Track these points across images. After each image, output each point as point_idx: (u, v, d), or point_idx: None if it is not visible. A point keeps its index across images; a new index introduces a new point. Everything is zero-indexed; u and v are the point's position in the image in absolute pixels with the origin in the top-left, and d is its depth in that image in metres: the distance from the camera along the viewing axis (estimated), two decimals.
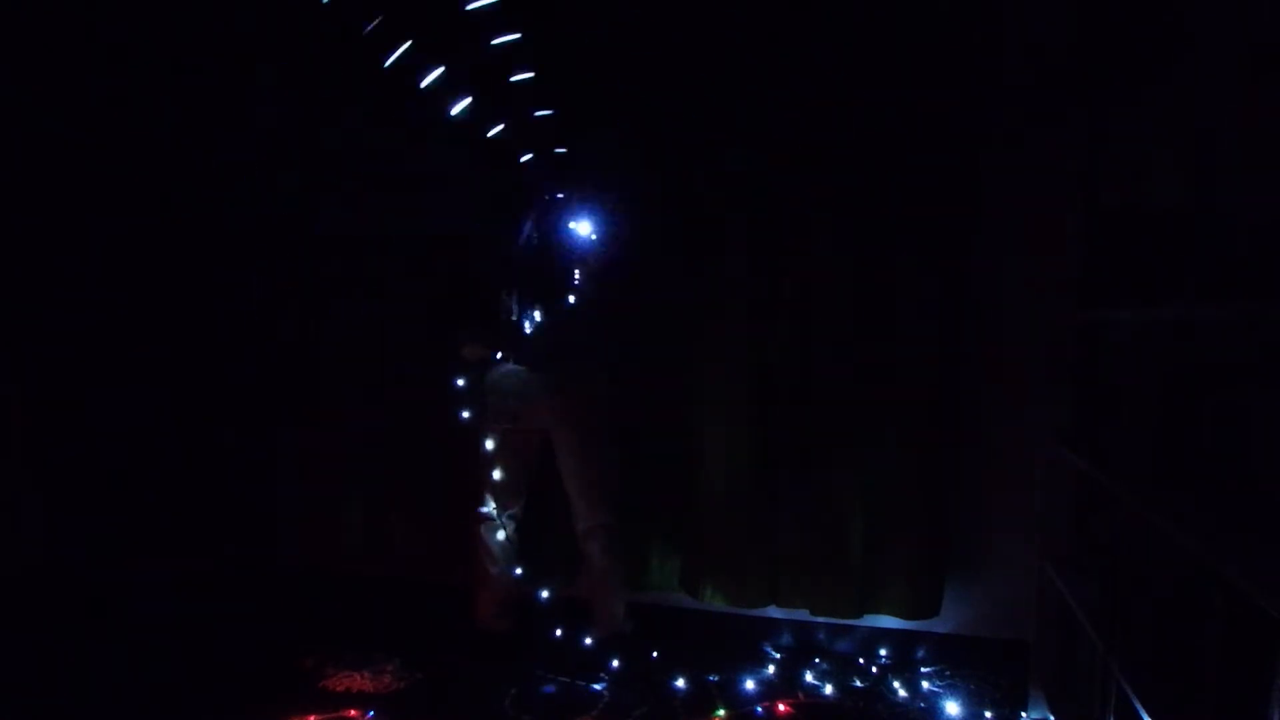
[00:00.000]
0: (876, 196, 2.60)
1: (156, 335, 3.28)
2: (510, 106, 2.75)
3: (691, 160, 2.75)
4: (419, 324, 2.99)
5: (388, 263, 3.05)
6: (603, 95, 2.79)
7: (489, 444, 2.68)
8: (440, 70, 2.90)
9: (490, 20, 2.85)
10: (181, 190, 3.22)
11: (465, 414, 2.70)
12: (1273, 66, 1.52)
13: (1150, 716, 1.48)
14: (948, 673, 2.71)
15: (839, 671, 2.71)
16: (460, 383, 2.70)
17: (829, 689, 2.61)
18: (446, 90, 2.88)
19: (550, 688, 2.62)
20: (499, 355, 2.67)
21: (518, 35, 2.77)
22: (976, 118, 2.56)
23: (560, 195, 2.67)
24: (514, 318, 2.63)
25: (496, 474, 2.68)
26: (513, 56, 2.82)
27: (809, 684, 2.66)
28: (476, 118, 2.83)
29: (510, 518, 2.76)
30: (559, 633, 2.82)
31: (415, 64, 2.94)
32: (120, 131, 3.21)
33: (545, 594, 2.89)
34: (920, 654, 2.78)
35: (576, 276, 2.59)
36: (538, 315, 2.60)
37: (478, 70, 2.82)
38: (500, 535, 2.74)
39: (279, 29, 3.07)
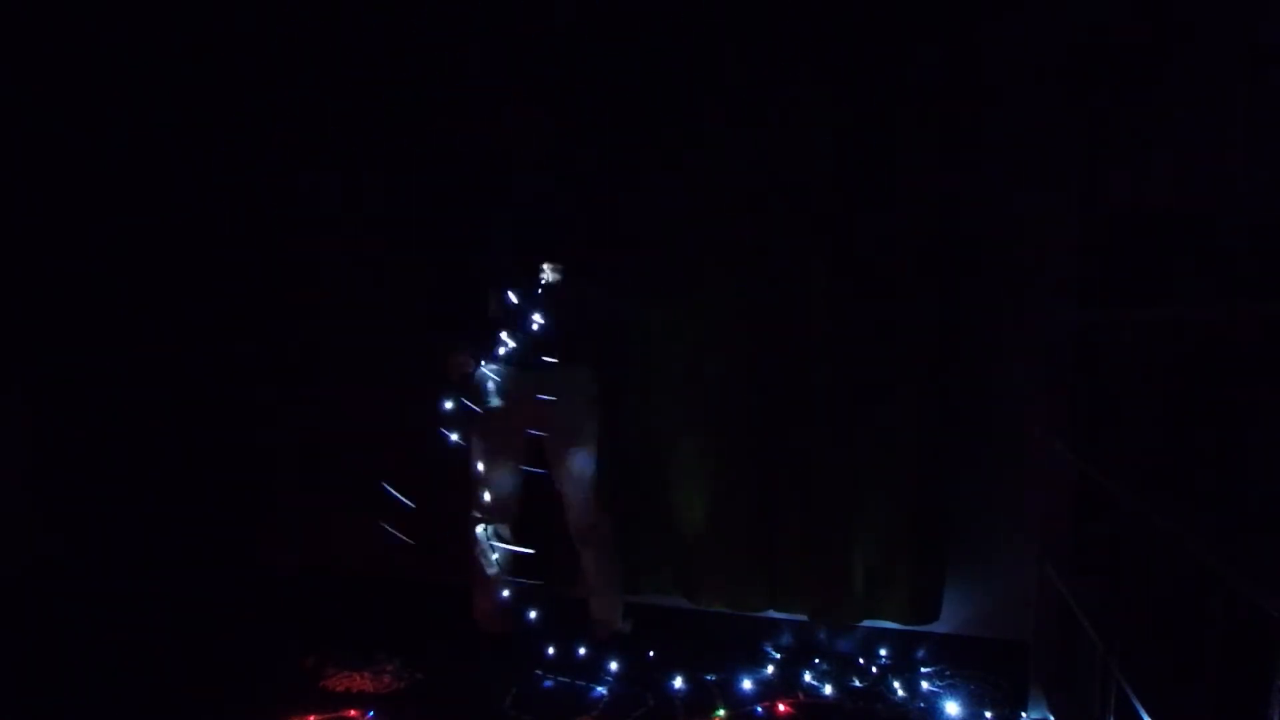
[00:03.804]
0: (877, 198, 2.60)
1: (156, 337, 3.28)
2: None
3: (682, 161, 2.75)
4: (413, 325, 3.00)
5: (384, 263, 3.05)
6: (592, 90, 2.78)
7: (486, 459, 2.68)
8: None
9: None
10: (181, 193, 3.22)
11: (455, 437, 2.69)
12: (1272, 66, 1.52)
13: (1150, 716, 1.48)
14: (948, 673, 2.71)
15: (839, 671, 2.71)
16: (449, 405, 2.69)
17: (829, 689, 2.61)
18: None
19: (549, 687, 2.62)
20: (485, 359, 2.66)
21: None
22: (976, 118, 2.56)
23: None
24: (503, 317, 2.62)
25: (486, 496, 2.68)
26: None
27: (809, 684, 2.65)
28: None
29: (506, 525, 2.76)
30: (557, 634, 2.82)
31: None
32: (120, 131, 3.21)
33: (542, 596, 2.89)
34: (920, 654, 2.78)
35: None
36: (526, 314, 2.59)
37: None
38: (496, 551, 2.73)
39: (283, 30, 3.08)
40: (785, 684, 2.65)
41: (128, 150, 3.22)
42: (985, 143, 2.58)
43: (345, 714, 2.43)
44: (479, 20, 2.86)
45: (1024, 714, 2.43)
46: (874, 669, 2.74)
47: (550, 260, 2.53)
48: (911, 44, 2.54)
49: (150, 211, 3.25)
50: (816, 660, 2.78)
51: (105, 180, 3.23)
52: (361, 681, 2.61)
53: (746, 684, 2.62)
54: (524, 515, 2.81)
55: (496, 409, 2.66)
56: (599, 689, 2.61)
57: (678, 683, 2.62)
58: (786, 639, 2.89)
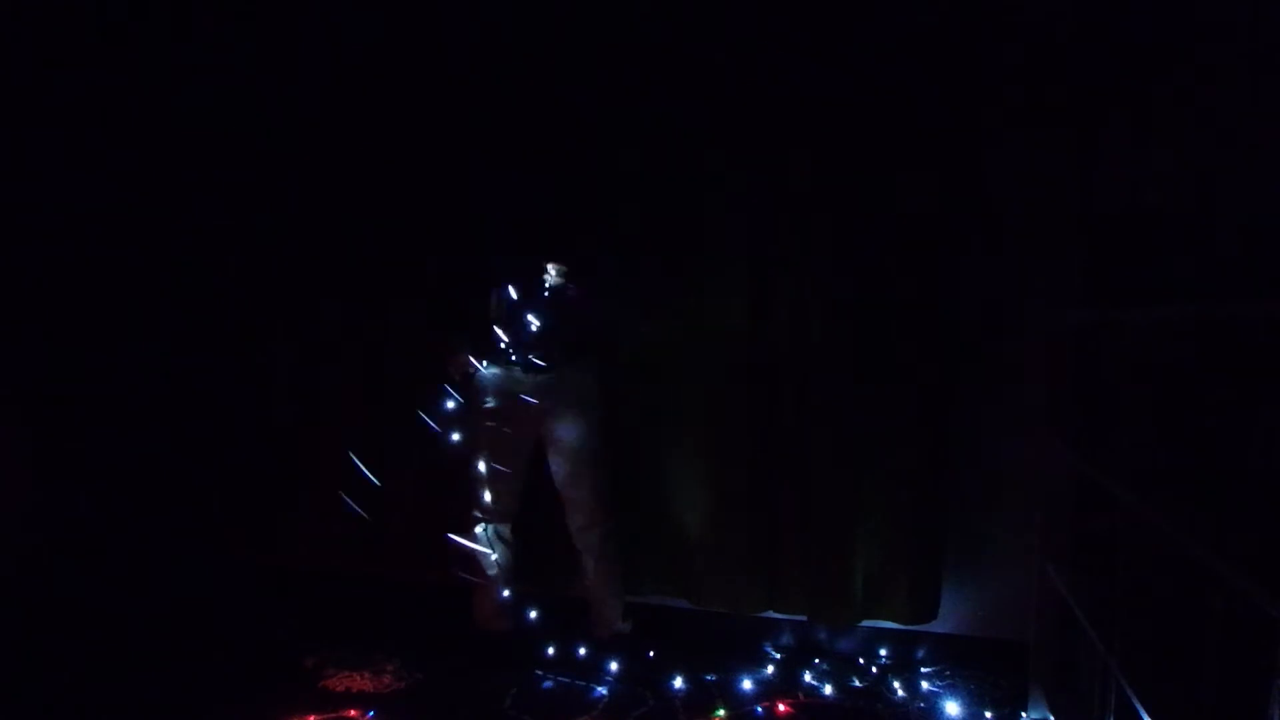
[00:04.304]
0: (875, 197, 2.60)
1: (156, 337, 3.28)
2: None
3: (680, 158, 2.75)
4: (415, 325, 3.00)
5: (385, 262, 3.06)
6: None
7: (486, 460, 2.68)
8: None
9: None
10: (185, 193, 3.23)
11: (456, 437, 2.70)
12: (1272, 67, 1.52)
13: (1150, 716, 1.48)
14: (948, 673, 2.71)
15: (839, 671, 2.71)
16: (450, 405, 2.70)
17: (829, 689, 2.62)
18: None
19: (549, 687, 2.62)
20: (485, 362, 2.66)
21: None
22: (977, 118, 2.56)
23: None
24: (504, 317, 2.62)
25: (487, 496, 2.69)
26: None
27: (809, 684, 2.66)
28: None
29: (506, 525, 2.76)
30: (557, 634, 2.82)
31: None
32: (121, 133, 3.21)
33: (542, 596, 2.89)
34: (920, 654, 2.78)
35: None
36: (528, 315, 2.59)
37: None
38: (495, 553, 2.74)
39: (286, 27, 3.08)
40: (785, 684, 2.66)
41: (127, 151, 3.22)
42: (985, 142, 2.58)
43: (345, 714, 2.43)
44: (480, 16, 2.86)
45: (1024, 714, 2.43)
46: (874, 669, 2.74)
47: (554, 262, 2.53)
48: (911, 43, 2.54)
49: (150, 211, 3.25)
50: (816, 660, 2.78)
51: (106, 180, 3.23)
52: (361, 681, 2.61)
53: (746, 684, 2.62)
54: (524, 515, 2.81)
55: (497, 409, 2.66)
56: (599, 689, 2.61)
57: (678, 683, 2.62)
58: (786, 639, 2.89)
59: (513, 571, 2.80)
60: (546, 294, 2.58)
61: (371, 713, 2.44)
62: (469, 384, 2.71)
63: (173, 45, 3.17)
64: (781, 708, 2.51)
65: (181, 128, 3.19)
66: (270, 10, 3.06)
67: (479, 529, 2.74)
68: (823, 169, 2.63)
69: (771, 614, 2.86)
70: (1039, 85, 2.50)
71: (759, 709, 2.51)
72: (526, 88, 2.78)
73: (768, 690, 2.61)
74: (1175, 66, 1.91)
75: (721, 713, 2.47)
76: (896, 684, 2.63)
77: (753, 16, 2.66)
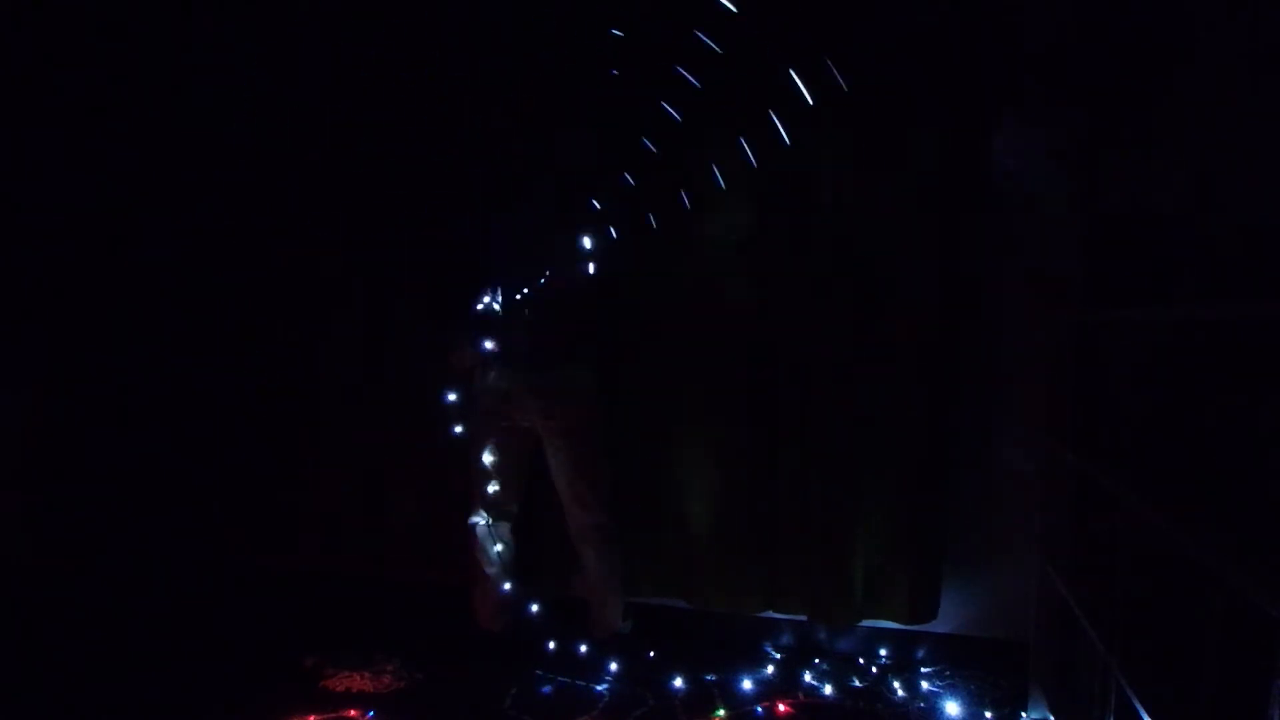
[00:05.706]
0: (875, 197, 2.60)
1: (155, 337, 3.28)
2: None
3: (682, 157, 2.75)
4: (419, 322, 3.00)
5: (386, 260, 3.06)
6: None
7: (487, 458, 2.68)
8: None
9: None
10: (185, 193, 3.23)
11: (458, 429, 2.70)
12: (1271, 68, 1.52)
13: (1150, 716, 1.48)
14: (948, 673, 2.71)
15: (839, 671, 2.71)
16: (452, 397, 2.70)
17: (829, 689, 2.62)
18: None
19: (549, 688, 2.62)
20: (489, 353, 2.66)
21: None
22: (977, 118, 2.56)
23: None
24: (503, 316, 2.62)
25: (491, 488, 2.69)
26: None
27: (809, 684, 2.66)
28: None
29: (506, 523, 2.76)
30: (557, 633, 2.82)
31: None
32: (125, 124, 3.21)
33: (542, 595, 2.89)
34: (920, 654, 2.78)
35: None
36: (527, 312, 2.59)
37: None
38: (496, 548, 2.74)
39: (288, 29, 3.08)
40: (785, 684, 2.66)
41: (127, 151, 3.22)
42: (986, 144, 2.57)
43: (345, 714, 2.43)
44: (479, 14, 2.87)
45: (1024, 714, 2.43)
46: (874, 669, 2.74)
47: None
48: (913, 41, 2.54)
49: (150, 211, 3.25)
50: (816, 660, 2.78)
51: (106, 180, 3.23)
52: (361, 681, 2.61)
53: (746, 684, 2.62)
54: (524, 514, 2.81)
55: (497, 407, 2.66)
56: (599, 689, 2.61)
57: (678, 683, 2.62)
58: (786, 639, 2.89)
59: (513, 570, 2.80)
60: (546, 292, 2.58)
61: (371, 713, 2.44)
62: (470, 381, 2.71)
63: (173, 45, 3.17)
64: (781, 708, 2.51)
65: (181, 128, 3.19)
66: (270, 10, 3.06)
67: (479, 527, 2.74)
68: (823, 168, 2.63)
69: (771, 614, 2.86)
70: (1039, 85, 2.49)
71: (759, 709, 2.51)
72: (526, 85, 2.77)
73: (768, 690, 2.61)
74: (1175, 66, 1.91)
75: (721, 713, 2.47)
76: (896, 684, 2.63)
77: (752, 16, 2.65)
